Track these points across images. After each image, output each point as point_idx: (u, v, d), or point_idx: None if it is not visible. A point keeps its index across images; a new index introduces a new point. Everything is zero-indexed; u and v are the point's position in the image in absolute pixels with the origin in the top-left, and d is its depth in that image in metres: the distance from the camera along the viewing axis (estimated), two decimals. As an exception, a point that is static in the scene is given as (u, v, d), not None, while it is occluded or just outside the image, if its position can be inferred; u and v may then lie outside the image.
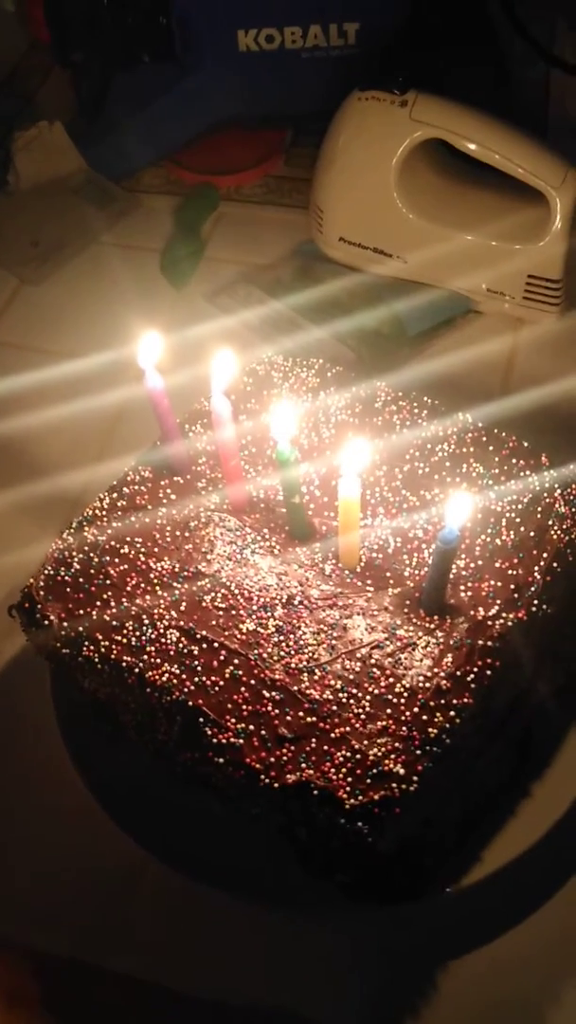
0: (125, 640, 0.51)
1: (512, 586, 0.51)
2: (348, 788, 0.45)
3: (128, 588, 0.53)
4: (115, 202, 0.92)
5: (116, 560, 0.54)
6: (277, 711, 0.48)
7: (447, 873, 0.51)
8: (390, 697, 0.47)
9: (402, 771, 0.45)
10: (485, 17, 0.90)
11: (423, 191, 0.79)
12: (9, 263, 0.88)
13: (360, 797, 0.45)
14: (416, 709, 0.47)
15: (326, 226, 0.83)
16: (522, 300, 0.78)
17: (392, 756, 0.46)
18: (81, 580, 0.53)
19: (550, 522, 0.53)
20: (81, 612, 0.52)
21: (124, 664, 0.50)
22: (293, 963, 0.51)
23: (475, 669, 0.48)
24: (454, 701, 0.47)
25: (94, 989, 0.52)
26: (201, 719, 0.48)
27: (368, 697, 0.47)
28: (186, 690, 0.49)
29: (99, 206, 0.91)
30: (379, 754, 0.46)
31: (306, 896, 0.51)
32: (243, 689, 0.48)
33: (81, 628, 0.51)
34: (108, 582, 0.53)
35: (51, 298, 0.86)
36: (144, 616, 0.51)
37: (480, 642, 0.49)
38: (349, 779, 0.45)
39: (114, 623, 0.51)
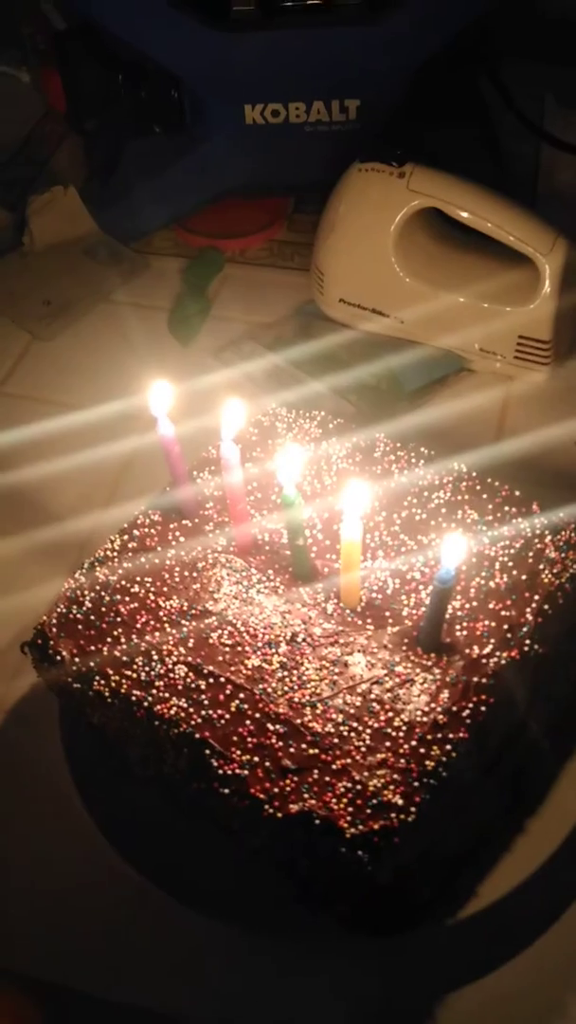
0: (134, 675, 0.53)
1: (505, 626, 0.53)
2: (349, 818, 0.47)
3: (138, 625, 0.55)
4: (125, 263, 0.96)
5: (126, 599, 0.56)
6: (281, 743, 0.49)
7: (443, 906, 0.53)
8: (389, 731, 0.49)
9: (401, 802, 0.47)
10: (478, 95, 0.96)
11: (419, 256, 0.83)
12: (22, 320, 0.92)
13: (360, 827, 0.46)
14: (414, 742, 0.49)
15: (327, 288, 0.86)
16: (513, 359, 0.82)
17: (391, 787, 0.47)
18: (92, 618, 0.56)
19: (541, 566, 0.56)
20: (92, 648, 0.54)
21: (133, 698, 0.52)
22: (292, 993, 0.52)
23: (470, 705, 0.50)
24: (450, 735, 0.49)
25: (97, 1019, 0.53)
26: (207, 751, 0.50)
27: (368, 731, 0.49)
28: (193, 723, 0.51)
29: (110, 267, 0.96)
30: (379, 785, 0.47)
31: (305, 927, 0.52)
32: (248, 722, 0.50)
33: (92, 664, 0.53)
34: (118, 620, 0.55)
35: (62, 353, 0.89)
36: (153, 652, 0.53)
37: (475, 679, 0.51)
38: (350, 809, 0.47)
39: (124, 659, 0.53)
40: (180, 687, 0.52)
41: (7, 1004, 0.53)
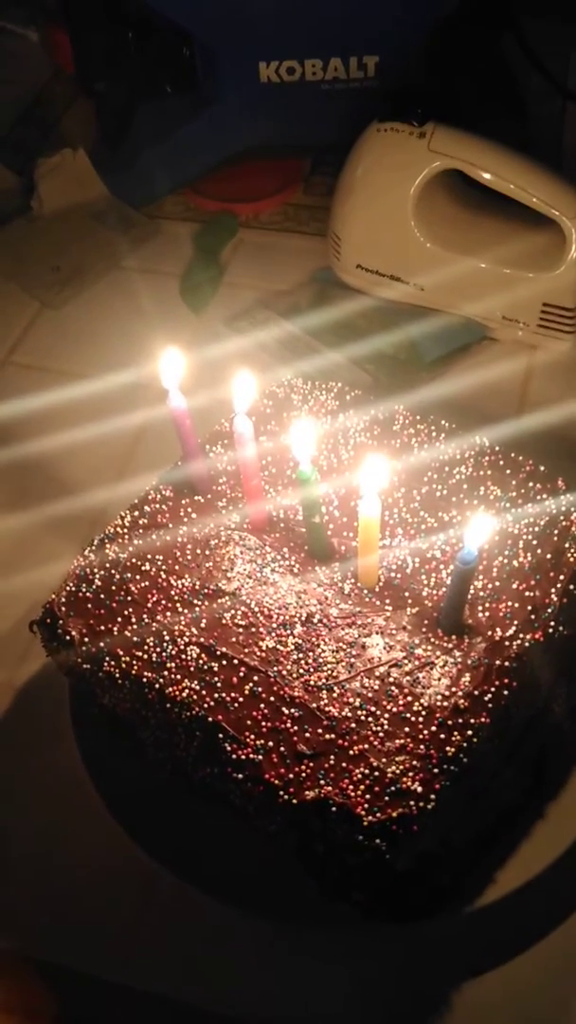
0: (146, 656, 0.51)
1: (529, 607, 0.51)
2: (366, 805, 0.45)
3: (149, 605, 0.53)
4: (136, 228, 0.94)
5: (137, 577, 0.55)
6: (296, 728, 0.48)
7: (462, 893, 0.51)
8: (408, 715, 0.48)
9: (420, 789, 0.45)
10: (501, 53, 0.92)
11: (440, 220, 0.81)
12: (31, 287, 0.90)
13: (378, 814, 0.45)
14: (434, 728, 0.47)
15: (343, 253, 0.84)
16: (537, 327, 0.80)
17: (410, 774, 0.46)
18: (102, 597, 0.54)
19: (567, 544, 0.54)
20: (102, 628, 0.53)
21: (144, 680, 0.50)
22: (307, 980, 0.51)
23: (492, 689, 0.48)
24: (471, 720, 0.48)
25: (109, 1004, 0.52)
26: (220, 735, 0.48)
27: (386, 715, 0.48)
28: (206, 706, 0.49)
29: (120, 232, 0.93)
30: (397, 772, 0.46)
31: (321, 914, 0.51)
32: (262, 706, 0.49)
33: (102, 644, 0.52)
34: (129, 599, 0.54)
35: (72, 322, 0.87)
36: (165, 633, 0.52)
37: (497, 662, 0.49)
38: (367, 796, 0.46)
39: (135, 639, 0.52)
40: (192, 669, 0.50)
41: (18, 986, 0.53)
